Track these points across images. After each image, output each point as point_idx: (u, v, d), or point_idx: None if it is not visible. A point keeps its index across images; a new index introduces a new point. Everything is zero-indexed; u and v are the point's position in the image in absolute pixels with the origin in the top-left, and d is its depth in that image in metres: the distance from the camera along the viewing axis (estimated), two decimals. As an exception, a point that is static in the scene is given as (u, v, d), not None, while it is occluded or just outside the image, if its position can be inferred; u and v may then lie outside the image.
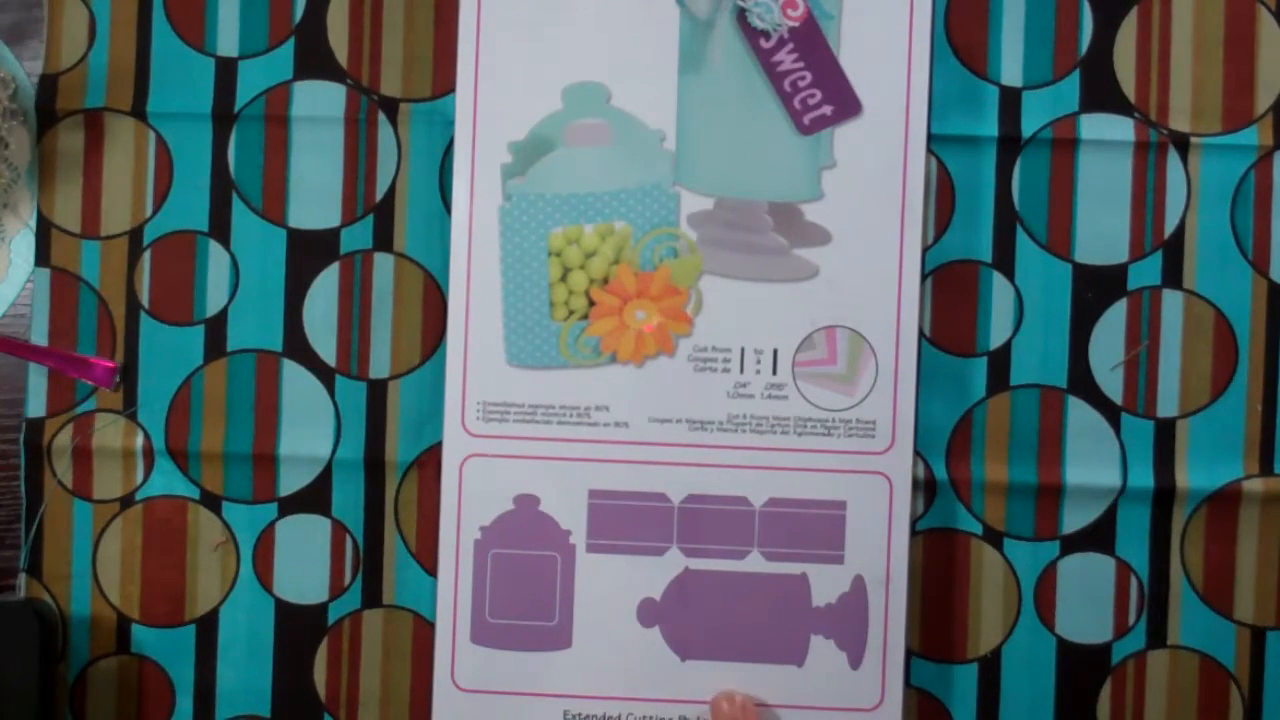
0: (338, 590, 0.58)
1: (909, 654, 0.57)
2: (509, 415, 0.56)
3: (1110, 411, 0.57)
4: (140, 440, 0.58)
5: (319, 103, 0.58)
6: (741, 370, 0.56)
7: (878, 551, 0.55)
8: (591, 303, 0.56)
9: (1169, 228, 0.57)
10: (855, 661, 0.55)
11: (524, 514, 0.56)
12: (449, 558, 0.56)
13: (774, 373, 0.56)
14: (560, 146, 0.56)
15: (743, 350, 0.56)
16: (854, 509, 0.56)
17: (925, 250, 0.57)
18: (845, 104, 0.55)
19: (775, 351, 0.56)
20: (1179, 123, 0.57)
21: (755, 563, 0.56)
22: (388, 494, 0.58)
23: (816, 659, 0.56)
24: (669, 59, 0.56)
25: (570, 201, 0.56)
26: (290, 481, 0.58)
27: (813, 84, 0.55)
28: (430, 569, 0.57)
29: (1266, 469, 0.57)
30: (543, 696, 0.56)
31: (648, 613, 0.56)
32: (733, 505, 0.56)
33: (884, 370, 0.56)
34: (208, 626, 0.58)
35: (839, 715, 0.55)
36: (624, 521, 0.56)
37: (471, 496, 0.56)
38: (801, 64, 0.55)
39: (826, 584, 0.56)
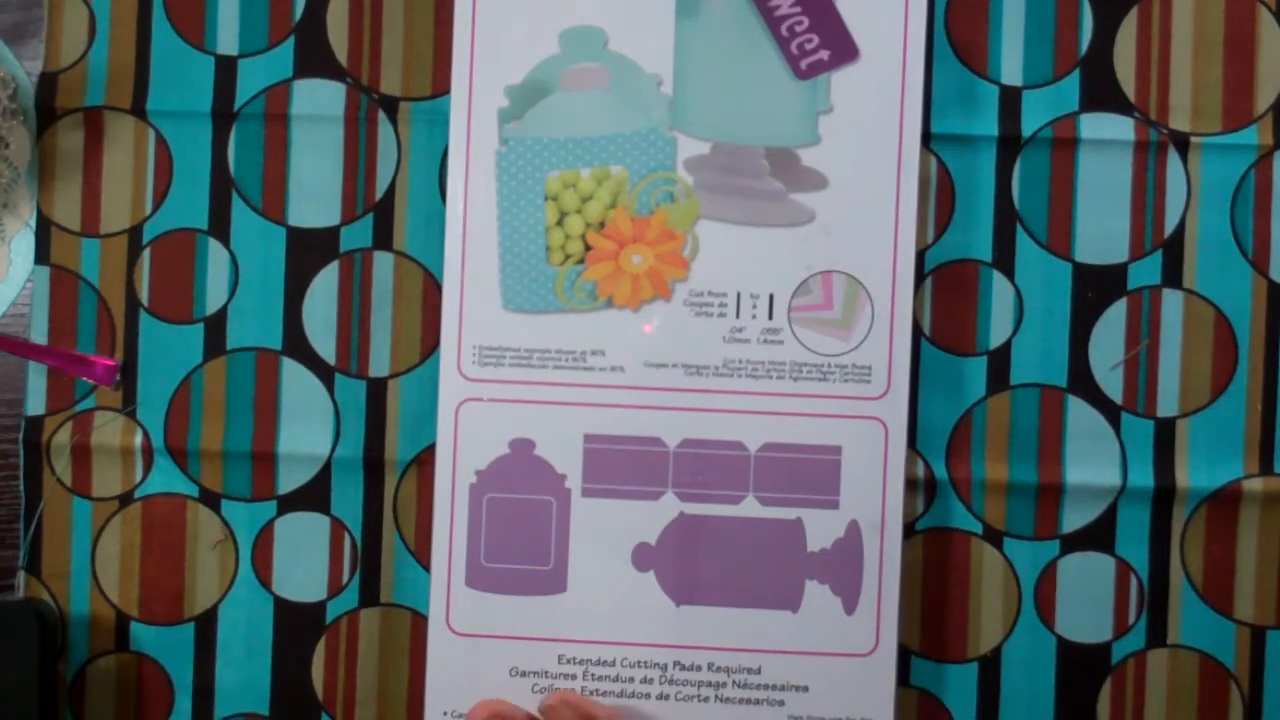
0: (336, 588, 0.58)
1: (906, 651, 0.57)
2: (505, 359, 0.56)
3: (1110, 411, 0.57)
4: (139, 438, 0.58)
5: (319, 101, 0.58)
6: (738, 315, 0.56)
7: (873, 497, 0.55)
8: (588, 247, 0.56)
9: (1169, 227, 0.57)
10: (850, 607, 0.55)
11: (519, 458, 0.56)
12: (444, 502, 0.56)
13: (770, 317, 0.56)
14: (557, 90, 0.56)
15: (739, 295, 0.56)
16: (849, 454, 0.56)
17: (925, 247, 0.57)
18: (842, 48, 0.55)
19: (771, 296, 0.56)
20: (1179, 122, 0.57)
21: (750, 508, 0.56)
22: (386, 492, 0.58)
23: (811, 604, 0.56)
24: (666, 3, 0.56)
25: (567, 146, 0.56)
26: (289, 480, 0.58)
27: (810, 28, 0.55)
28: (429, 568, 0.57)
29: (1266, 468, 0.57)
30: (538, 640, 0.56)
31: (643, 557, 0.56)
32: (728, 450, 0.56)
33: (880, 316, 0.56)
34: (206, 624, 0.58)
35: (833, 661, 0.55)
36: (619, 466, 0.56)
37: (467, 441, 0.56)
38: (798, 8, 0.55)
39: (821, 529, 0.56)
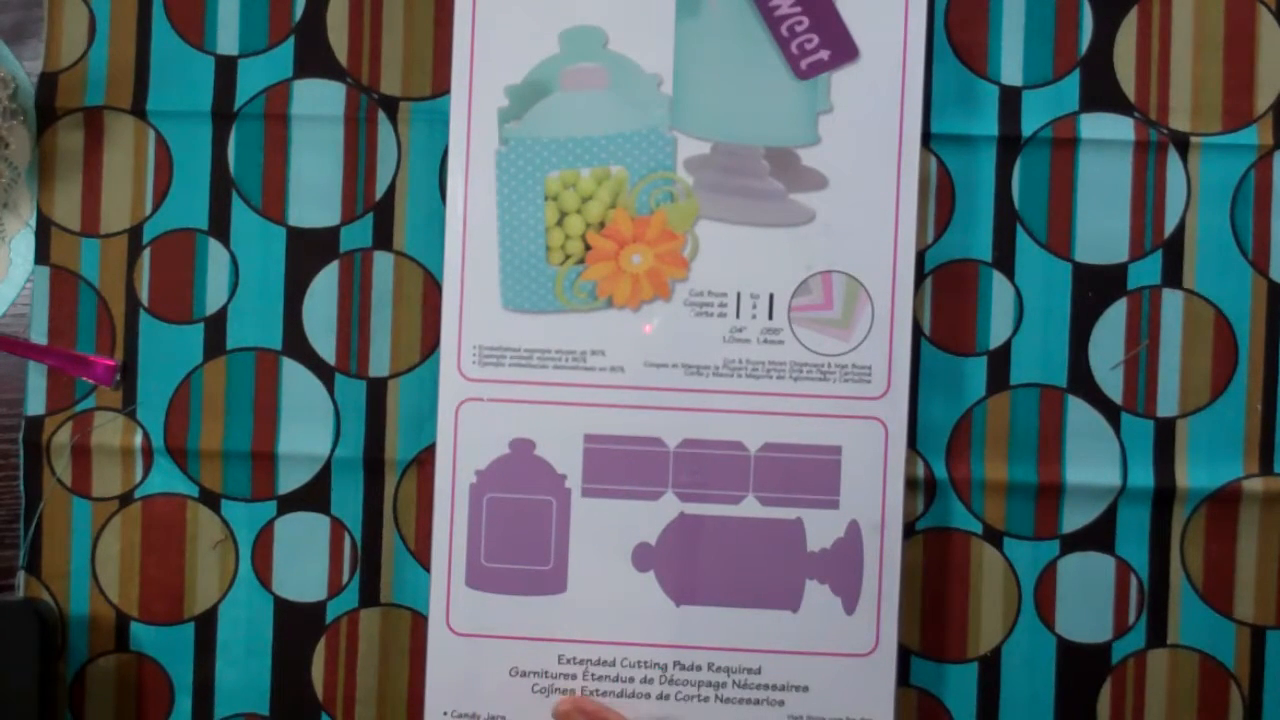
0: (336, 588, 0.58)
1: (906, 651, 0.57)
2: (505, 359, 0.56)
3: (1110, 411, 0.57)
4: (139, 438, 0.58)
5: (319, 101, 0.58)
6: (738, 315, 0.56)
7: (873, 497, 0.55)
8: (588, 247, 0.56)
9: (1169, 227, 0.57)
10: (850, 607, 0.55)
11: (519, 458, 0.56)
12: (444, 502, 0.56)
13: (770, 317, 0.56)
14: (557, 90, 0.56)
15: (739, 295, 0.56)
16: (849, 454, 0.56)
17: (925, 247, 0.57)
18: (842, 48, 0.55)
19: (771, 296, 0.56)
20: (1179, 122, 0.57)
21: (750, 507, 0.56)
22: (386, 492, 0.58)
23: (811, 604, 0.56)
24: (666, 3, 0.56)
25: (567, 145, 0.56)
26: (289, 480, 0.58)
27: (810, 28, 0.55)
28: (429, 568, 0.57)
29: (1266, 469, 0.57)
30: (537, 641, 0.56)
31: (643, 557, 0.56)
32: (728, 450, 0.56)
33: (880, 315, 0.56)
34: (207, 624, 0.58)
35: (833, 660, 0.55)
36: (619, 466, 0.56)
37: (467, 441, 0.56)
38: (799, 8, 0.55)
39: (821, 529, 0.56)
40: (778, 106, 0.56)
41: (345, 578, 0.58)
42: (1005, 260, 0.57)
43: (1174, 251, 0.57)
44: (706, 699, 0.56)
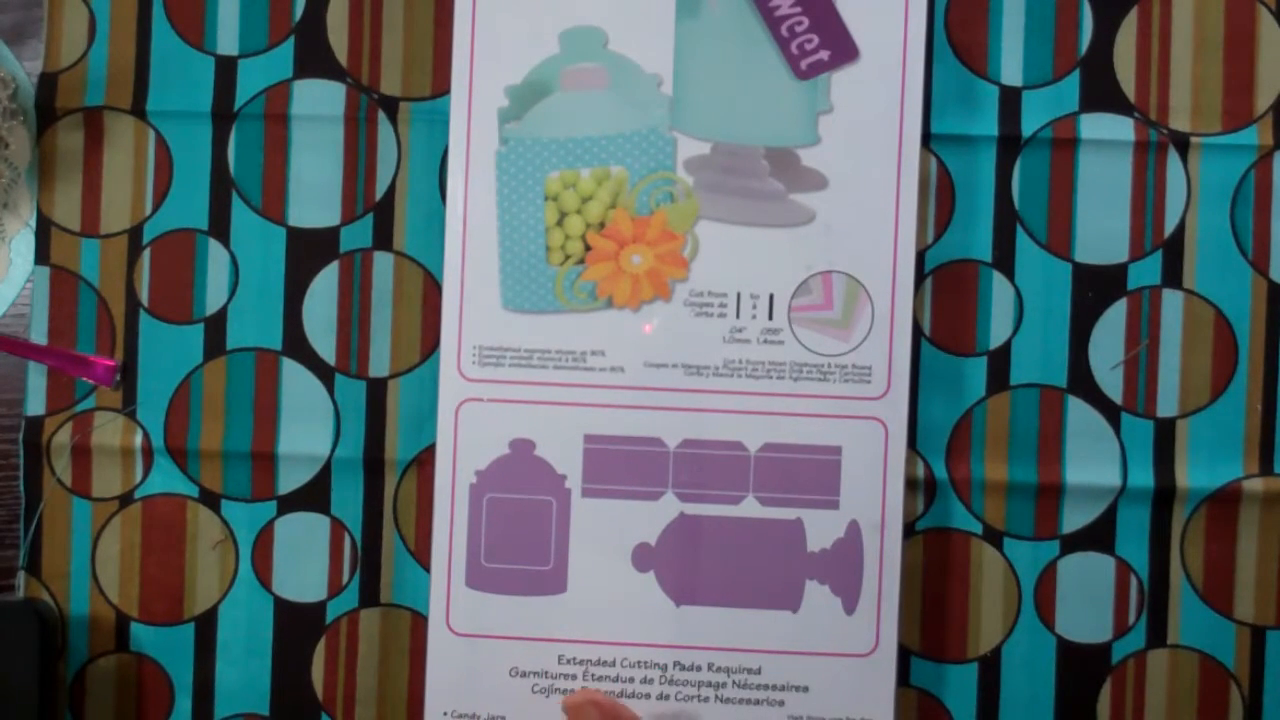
0: (336, 589, 0.58)
1: (906, 651, 0.57)
2: (505, 360, 0.56)
3: (1110, 411, 0.57)
4: (139, 438, 0.58)
5: (319, 101, 0.58)
6: (738, 315, 0.56)
7: (873, 497, 0.55)
8: (588, 247, 0.56)
9: (1169, 227, 0.57)
10: (850, 607, 0.55)
11: (519, 458, 0.56)
12: (444, 502, 0.56)
13: (770, 318, 0.56)
14: (557, 90, 0.56)
15: (739, 295, 0.56)
16: (849, 454, 0.56)
17: (925, 247, 0.57)
18: (842, 49, 0.55)
19: (771, 296, 0.56)
20: (1179, 122, 0.57)
21: (750, 508, 0.56)
22: (386, 492, 0.58)
23: (811, 605, 0.56)
24: (666, 3, 0.56)
25: (567, 146, 0.56)
26: (289, 480, 0.58)
27: (810, 29, 0.55)
28: (429, 568, 0.57)
29: (1266, 469, 0.57)
30: (537, 641, 0.56)
31: (643, 558, 0.56)
32: (728, 450, 0.56)
33: (880, 316, 0.56)
34: (207, 625, 0.58)
35: (833, 661, 0.55)
36: (619, 466, 0.56)
37: (467, 441, 0.56)
38: (799, 8, 0.55)
39: (822, 529, 0.56)
40: (778, 106, 0.56)
41: (345, 578, 0.58)
42: (1005, 260, 0.57)
43: (1174, 252, 0.57)
44: (706, 699, 0.56)
